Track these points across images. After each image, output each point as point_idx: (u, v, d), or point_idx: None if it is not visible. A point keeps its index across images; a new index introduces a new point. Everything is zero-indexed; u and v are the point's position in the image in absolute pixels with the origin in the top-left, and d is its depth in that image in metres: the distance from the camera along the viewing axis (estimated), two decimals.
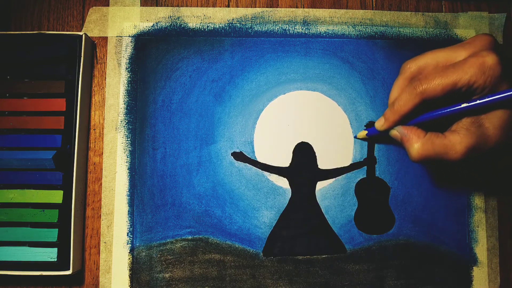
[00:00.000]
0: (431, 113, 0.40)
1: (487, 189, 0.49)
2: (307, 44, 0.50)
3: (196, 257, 0.47)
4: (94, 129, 0.48)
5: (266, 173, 0.48)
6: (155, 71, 0.49)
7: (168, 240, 0.47)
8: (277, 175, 0.48)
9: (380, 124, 0.43)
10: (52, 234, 0.44)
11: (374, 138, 0.48)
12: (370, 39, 0.50)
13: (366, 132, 0.47)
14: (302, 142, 0.49)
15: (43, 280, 0.46)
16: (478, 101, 0.37)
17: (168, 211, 0.47)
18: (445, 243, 0.48)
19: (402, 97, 0.39)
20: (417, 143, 0.39)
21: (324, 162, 0.49)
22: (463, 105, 0.38)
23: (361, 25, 0.50)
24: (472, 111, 0.38)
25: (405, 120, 0.41)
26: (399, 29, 0.50)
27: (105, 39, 0.49)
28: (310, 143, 0.49)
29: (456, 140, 0.37)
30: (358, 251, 0.48)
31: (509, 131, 0.38)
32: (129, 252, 0.47)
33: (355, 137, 0.49)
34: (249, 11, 0.50)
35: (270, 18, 0.50)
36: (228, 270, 0.47)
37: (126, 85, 0.49)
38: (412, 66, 0.41)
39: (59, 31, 0.49)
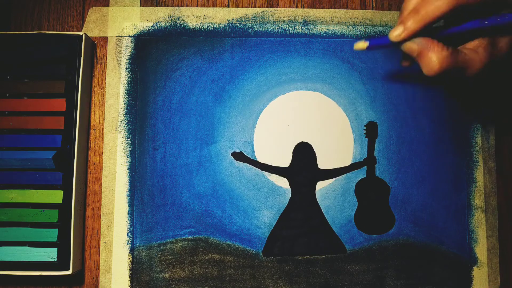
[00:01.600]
0: (462, 26, 0.38)
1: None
2: (307, 44, 0.50)
3: (196, 257, 0.47)
4: (94, 129, 0.48)
5: (266, 173, 0.48)
6: (155, 71, 0.49)
7: (168, 240, 0.47)
8: (277, 175, 0.48)
9: (397, 34, 0.37)
10: (52, 234, 0.44)
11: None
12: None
13: (367, 44, 0.40)
14: (302, 142, 0.49)
15: (43, 280, 0.46)
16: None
17: (168, 211, 0.47)
18: (445, 243, 0.48)
19: (432, 2, 0.35)
20: (441, 54, 0.37)
21: (324, 162, 0.49)
22: (498, 19, 0.36)
23: (361, 25, 0.50)
24: (494, 28, 0.37)
25: (425, 32, 0.37)
26: None
27: (105, 39, 0.49)
28: (310, 143, 0.49)
29: (476, 58, 0.38)
30: (358, 251, 0.48)
31: None
32: (129, 252, 0.47)
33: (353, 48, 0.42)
34: (249, 11, 0.50)
35: (270, 18, 0.50)
36: (228, 270, 0.47)
37: (126, 85, 0.49)
38: None
39: (59, 31, 0.49)
